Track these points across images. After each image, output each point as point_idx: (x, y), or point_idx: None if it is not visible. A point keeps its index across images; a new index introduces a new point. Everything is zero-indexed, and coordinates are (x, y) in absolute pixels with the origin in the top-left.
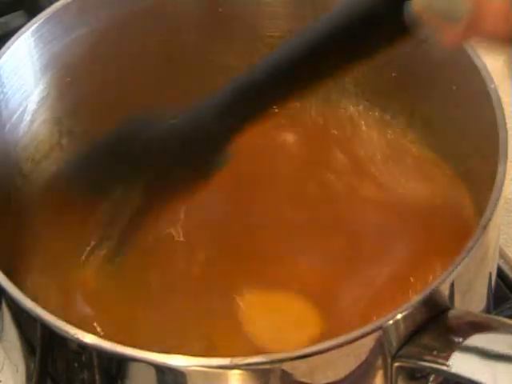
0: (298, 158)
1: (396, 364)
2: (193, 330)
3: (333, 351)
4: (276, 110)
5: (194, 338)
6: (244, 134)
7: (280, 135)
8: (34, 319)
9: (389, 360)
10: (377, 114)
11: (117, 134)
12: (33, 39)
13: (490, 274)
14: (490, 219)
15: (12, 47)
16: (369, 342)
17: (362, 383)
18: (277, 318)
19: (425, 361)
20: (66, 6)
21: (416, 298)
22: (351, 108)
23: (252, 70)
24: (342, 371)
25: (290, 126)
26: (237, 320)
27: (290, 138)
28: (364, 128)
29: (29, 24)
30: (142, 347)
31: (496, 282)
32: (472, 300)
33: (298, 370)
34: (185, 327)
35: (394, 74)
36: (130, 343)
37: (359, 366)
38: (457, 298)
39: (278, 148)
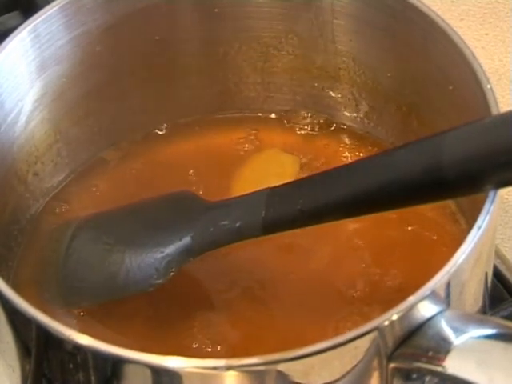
0: None
1: (391, 365)
2: None
3: (328, 352)
4: None
5: None
6: None
7: None
8: (29, 320)
9: (384, 361)
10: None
11: None
12: (28, 39)
13: (486, 274)
14: (485, 219)
15: (7, 47)
16: (364, 343)
17: None
18: None
19: (420, 362)
20: (61, 7)
21: (411, 299)
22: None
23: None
24: (338, 372)
25: None
26: None
27: None
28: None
29: (24, 24)
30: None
31: (492, 282)
32: (468, 300)
33: (293, 370)
34: None
35: (389, 74)
36: None
37: (355, 367)
38: (452, 298)
39: None
